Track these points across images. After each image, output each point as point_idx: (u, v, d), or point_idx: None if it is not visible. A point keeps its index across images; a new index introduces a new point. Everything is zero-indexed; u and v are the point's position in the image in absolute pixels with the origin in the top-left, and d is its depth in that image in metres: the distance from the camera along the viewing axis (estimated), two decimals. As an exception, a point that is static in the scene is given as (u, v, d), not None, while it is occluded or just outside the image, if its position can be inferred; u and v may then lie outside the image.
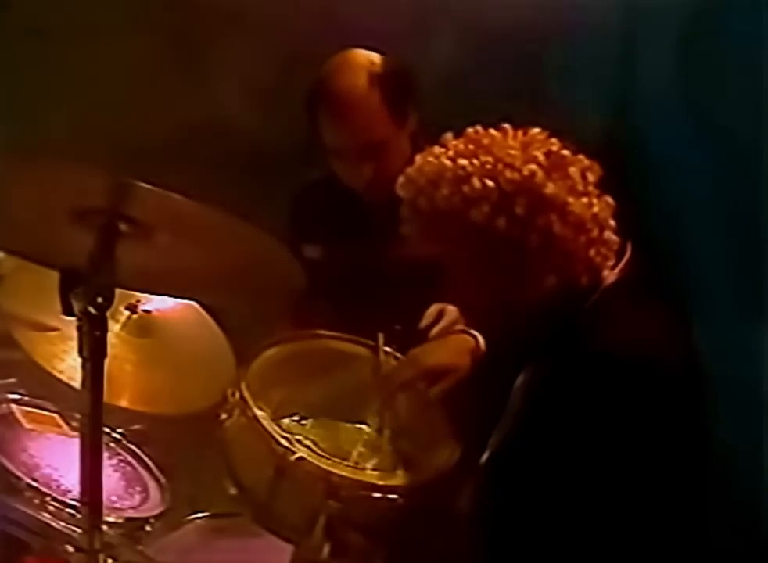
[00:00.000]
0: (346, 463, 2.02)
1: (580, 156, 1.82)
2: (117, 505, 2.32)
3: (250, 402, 2.02)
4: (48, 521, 2.06)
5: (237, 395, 2.05)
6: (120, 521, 2.23)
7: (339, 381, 2.26)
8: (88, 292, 1.55)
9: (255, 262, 1.67)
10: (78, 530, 1.66)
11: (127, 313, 2.49)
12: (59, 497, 2.14)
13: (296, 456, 1.93)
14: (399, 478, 2.03)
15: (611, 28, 3.71)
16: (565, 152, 1.80)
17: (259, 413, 2.01)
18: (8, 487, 2.13)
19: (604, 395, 1.69)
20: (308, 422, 2.20)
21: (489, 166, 1.76)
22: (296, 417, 2.19)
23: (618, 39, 3.73)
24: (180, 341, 2.55)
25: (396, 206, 2.48)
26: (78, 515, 1.80)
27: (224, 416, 2.08)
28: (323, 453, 2.01)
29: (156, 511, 2.36)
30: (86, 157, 1.51)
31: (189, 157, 3.29)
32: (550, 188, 1.75)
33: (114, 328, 2.42)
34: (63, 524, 2.06)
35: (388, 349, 2.31)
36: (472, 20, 3.53)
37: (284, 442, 1.97)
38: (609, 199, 1.82)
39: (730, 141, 3.40)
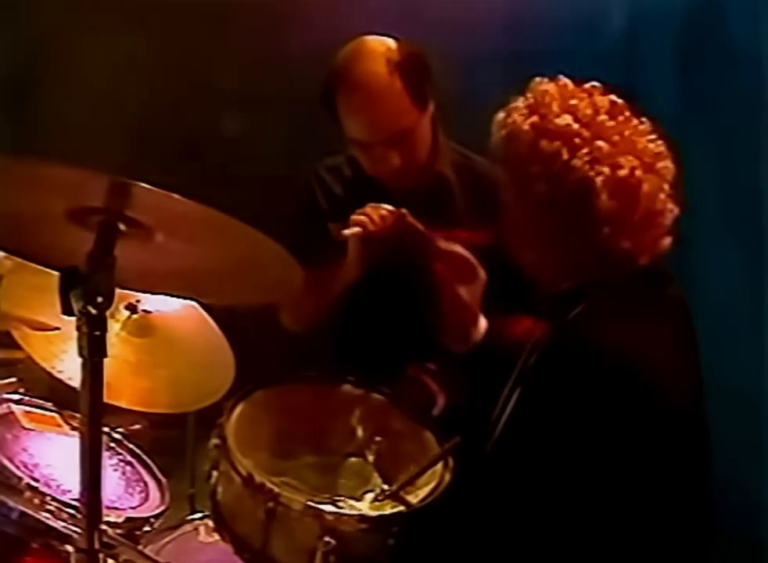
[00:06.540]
0: (337, 498, 1.99)
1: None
2: (117, 505, 2.32)
3: (234, 453, 1.99)
4: (48, 521, 2.06)
5: (219, 449, 2.02)
6: (120, 521, 2.23)
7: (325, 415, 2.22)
8: (88, 292, 1.54)
9: (254, 262, 1.67)
10: (78, 530, 1.65)
11: (127, 313, 2.49)
12: (59, 497, 2.14)
13: (285, 498, 1.91)
14: (391, 508, 1.98)
15: (612, 29, 3.72)
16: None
17: (244, 460, 1.98)
18: (8, 487, 2.13)
19: (604, 391, 1.67)
20: (296, 461, 2.14)
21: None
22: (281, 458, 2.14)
23: (618, 40, 3.75)
24: (180, 341, 2.55)
25: (420, 191, 2.40)
26: (78, 515, 1.79)
27: (209, 466, 2.05)
28: (313, 491, 1.99)
29: (156, 511, 2.36)
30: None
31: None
32: (645, 186, 1.73)
33: (114, 328, 2.42)
34: (63, 524, 2.06)
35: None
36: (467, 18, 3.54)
37: (270, 484, 1.93)
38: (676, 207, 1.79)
39: (730, 142, 3.40)
